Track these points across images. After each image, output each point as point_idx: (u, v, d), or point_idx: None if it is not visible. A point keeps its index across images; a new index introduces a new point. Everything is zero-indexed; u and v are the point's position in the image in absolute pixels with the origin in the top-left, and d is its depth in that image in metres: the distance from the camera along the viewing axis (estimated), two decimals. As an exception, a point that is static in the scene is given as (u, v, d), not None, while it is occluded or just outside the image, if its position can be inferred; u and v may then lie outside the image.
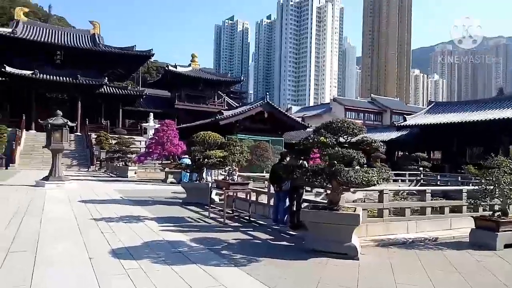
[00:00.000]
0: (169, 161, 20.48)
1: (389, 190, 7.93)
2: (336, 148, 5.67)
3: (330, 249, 5.71)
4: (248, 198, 9.56)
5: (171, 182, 19.51)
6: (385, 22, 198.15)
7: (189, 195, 11.48)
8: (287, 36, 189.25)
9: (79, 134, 35.54)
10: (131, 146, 24.65)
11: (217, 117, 33.56)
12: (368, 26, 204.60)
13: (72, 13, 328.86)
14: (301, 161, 7.49)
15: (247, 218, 8.63)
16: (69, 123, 15.72)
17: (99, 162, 30.62)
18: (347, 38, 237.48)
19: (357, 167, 5.94)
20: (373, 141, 6.05)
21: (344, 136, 6.20)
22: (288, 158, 8.28)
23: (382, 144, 6.13)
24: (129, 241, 6.24)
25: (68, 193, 12.92)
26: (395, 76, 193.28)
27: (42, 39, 39.85)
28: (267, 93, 41.26)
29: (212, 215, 9.04)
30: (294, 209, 7.59)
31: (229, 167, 10.47)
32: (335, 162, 5.92)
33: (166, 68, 45.14)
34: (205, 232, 7.32)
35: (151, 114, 37.28)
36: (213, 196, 11.44)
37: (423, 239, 7.10)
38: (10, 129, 32.09)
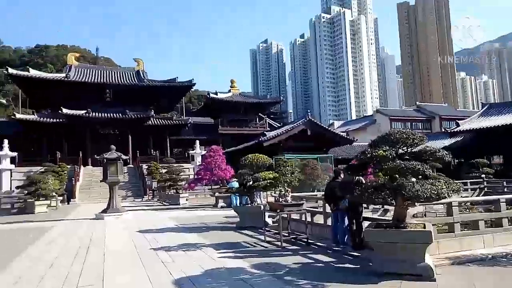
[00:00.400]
0: (219, 186, 20.68)
1: (457, 201, 7.35)
2: (398, 161, 5.35)
3: (402, 270, 5.30)
4: (303, 219, 9.31)
5: (222, 207, 19.63)
6: (422, 27, 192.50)
7: (242, 219, 11.40)
8: (322, 52, 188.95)
9: (131, 166, 37.09)
10: (180, 174, 25.26)
11: (260, 139, 33.74)
12: (405, 33, 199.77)
13: (117, 52, 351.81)
14: (357, 178, 7.17)
15: (305, 240, 8.34)
16: (123, 156, 16.43)
17: (151, 192, 31.61)
18: (384, 47, 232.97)
19: (419, 180, 5.56)
20: (437, 150, 5.65)
21: (403, 148, 5.86)
22: (342, 175, 7.97)
23: (447, 153, 5.70)
24: (190, 270, 6.20)
25: (126, 224, 13.33)
26: (440, 81, 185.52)
27: (93, 80, 42.67)
28: (308, 111, 40.89)
29: (268, 238, 8.86)
30: (355, 228, 7.23)
31: (281, 188, 10.31)
32: (397, 176, 5.58)
33: (208, 95, 46.42)
34: (264, 257, 7.14)
35: (197, 141, 38.23)
36: (266, 219, 11.29)
37: (504, 254, 6.43)
38: (69, 166, 34.20)
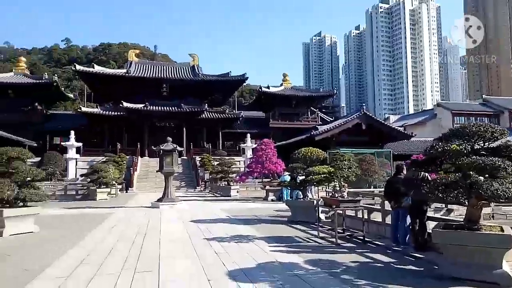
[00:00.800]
0: (269, 179, 20.62)
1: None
2: (474, 157, 4.80)
3: (474, 276, 4.78)
4: (359, 216, 8.88)
5: (272, 200, 19.58)
6: (492, 15, 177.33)
7: (293, 213, 11.17)
8: (379, 44, 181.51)
9: (185, 157, 38.31)
10: (232, 166, 25.56)
11: (312, 133, 33.17)
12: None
13: (173, 49, 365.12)
14: (422, 174, 6.61)
15: (361, 238, 7.94)
16: (178, 147, 16.89)
17: (204, 183, 32.44)
18: (447, 37, 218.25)
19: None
20: (521, 145, 5.00)
21: (479, 142, 5.27)
22: (405, 171, 7.44)
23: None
24: (243, 262, 6.11)
25: (180, 213, 13.68)
26: (511, 72, 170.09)
27: (151, 75, 44.60)
28: (363, 104, 39.43)
29: (321, 234, 8.55)
30: (418, 228, 6.71)
31: (336, 183, 9.91)
32: (470, 173, 5.03)
33: (259, 89, 46.52)
34: (318, 253, 6.86)
35: (248, 134, 38.49)
36: (319, 214, 10.96)
37: None
38: (128, 156, 36.09)
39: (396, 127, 37.70)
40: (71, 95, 50.62)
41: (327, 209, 9.80)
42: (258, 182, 25.95)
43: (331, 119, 52.32)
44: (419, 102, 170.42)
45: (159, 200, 16.55)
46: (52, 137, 43.04)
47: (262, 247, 7.44)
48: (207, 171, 34.38)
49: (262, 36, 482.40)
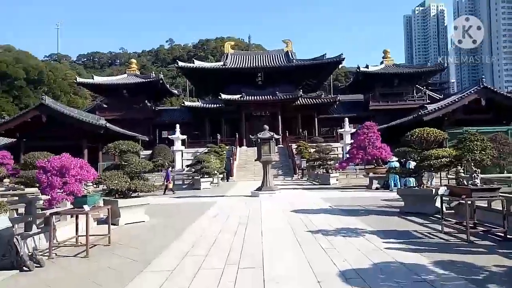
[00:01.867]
0: (373, 166, 19.08)
1: None
2: None
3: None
4: (493, 207, 7.30)
5: (376, 188, 18.12)
6: None
7: (407, 204, 9.88)
8: (498, 5, 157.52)
9: (281, 146, 38.22)
10: (330, 153, 24.46)
11: (420, 113, 30.06)
12: None
13: (267, 38, 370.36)
14: None
15: (501, 235, 6.46)
16: (275, 135, 16.57)
17: (301, 171, 31.91)
18: None
19: None
20: None
21: None
22: None
23: None
24: (355, 261, 5.33)
25: (280, 203, 13.33)
26: None
27: (246, 65, 45.42)
28: (483, 76, 34.18)
29: (446, 229, 7.23)
30: None
31: (459, 168, 8.37)
32: None
33: (358, 70, 43.81)
34: (447, 253, 5.70)
35: (346, 119, 36.65)
36: (437, 204, 9.49)
37: None
38: (228, 147, 37.40)
39: (525, 101, 31.92)
40: (175, 91, 54.49)
41: (451, 199, 8.34)
42: (360, 169, 24.44)
43: (441, 97, 46.98)
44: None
45: (258, 189, 16.48)
46: (160, 131, 46.95)
47: (375, 242, 6.53)
48: (303, 159, 33.70)
49: (357, 14, 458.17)
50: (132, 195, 9.85)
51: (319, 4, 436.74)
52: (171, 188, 20.13)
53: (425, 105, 32.84)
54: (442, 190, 9.48)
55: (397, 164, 16.08)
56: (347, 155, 23.52)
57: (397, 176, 15.02)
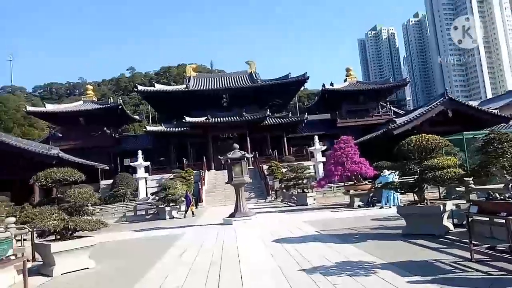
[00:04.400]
0: (353, 182, 17.76)
1: None
2: None
3: None
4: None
5: (359, 206, 16.75)
6: None
7: (409, 224, 8.38)
8: (443, 28, 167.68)
9: (251, 167, 36.47)
10: (305, 171, 23.06)
11: (390, 126, 29.55)
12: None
13: (229, 63, 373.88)
14: None
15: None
16: (247, 155, 14.89)
17: (274, 192, 30.27)
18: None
19: None
20: None
21: None
22: None
23: None
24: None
25: (257, 230, 11.51)
26: None
27: (210, 87, 43.94)
28: (447, 89, 34.56)
29: (476, 255, 5.71)
30: None
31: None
32: None
33: (323, 88, 43.42)
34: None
35: (316, 137, 35.63)
36: (445, 222, 8.09)
37: None
38: (195, 171, 35.21)
39: (492, 111, 32.39)
40: (137, 117, 51.89)
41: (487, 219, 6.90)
42: (337, 186, 23.15)
43: (403, 112, 47.56)
44: (497, 85, 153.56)
45: (231, 215, 14.59)
46: (122, 159, 43.98)
47: (395, 283, 4.89)
48: (276, 179, 32.20)
49: (314, 40, 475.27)
50: (75, 235, 7.75)
51: (279, 29, 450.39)
52: (193, 211, 20.42)
53: (394, 119, 32.58)
54: (449, 206, 8.10)
55: (392, 178, 14.80)
56: (322, 173, 22.24)
57: (392, 192, 13.78)
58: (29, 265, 7.39)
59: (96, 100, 48.00)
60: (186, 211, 20.49)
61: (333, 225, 11.31)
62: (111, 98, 52.15)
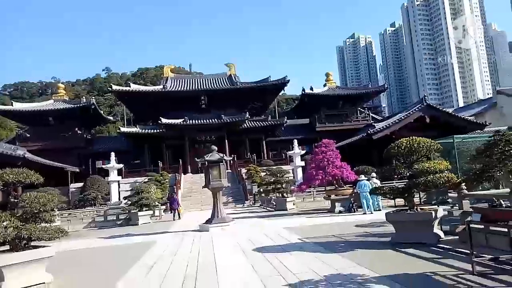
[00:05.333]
0: (334, 187, 17.32)
1: None
2: None
3: None
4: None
5: (340, 212, 16.31)
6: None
7: (398, 231, 7.88)
8: (418, 38, 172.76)
9: (229, 170, 35.67)
10: (285, 175, 22.52)
11: (369, 131, 29.53)
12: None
13: (208, 66, 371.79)
14: None
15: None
16: (225, 157, 14.16)
17: (252, 197, 29.60)
18: (492, 24, 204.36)
19: None
20: None
21: None
22: None
23: None
24: None
25: (236, 238, 10.79)
26: None
27: (187, 88, 42.95)
28: (425, 95, 34.92)
29: (478, 267, 5.22)
30: None
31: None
32: None
33: (303, 92, 43.18)
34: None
35: (295, 141, 35.22)
36: (435, 230, 7.65)
37: None
38: (171, 175, 34.09)
39: (467, 117, 32.92)
40: (111, 118, 50.26)
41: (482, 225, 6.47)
42: (317, 191, 22.73)
43: (381, 118, 48.03)
44: (468, 94, 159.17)
45: (208, 221, 13.81)
46: (94, 161, 42.23)
47: (395, 301, 4.30)
48: (254, 184, 31.54)
49: (293, 44, 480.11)
50: (31, 245, 6.82)
51: (258, 32, 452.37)
52: (179, 213, 20.75)
53: (373, 124, 32.63)
54: (441, 212, 7.67)
55: (368, 184, 14.44)
56: (301, 177, 21.78)
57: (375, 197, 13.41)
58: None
59: (68, 99, 46.00)
60: (174, 214, 20.69)
61: (316, 232, 10.74)
62: (84, 97, 50.00)
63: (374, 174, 15.21)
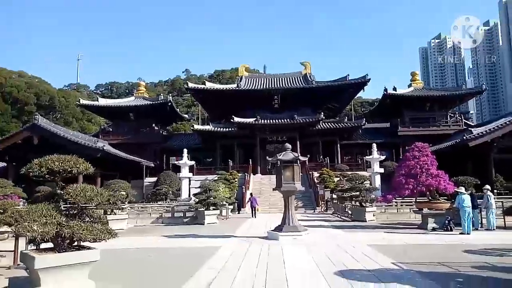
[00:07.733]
0: (427, 199, 14.65)
1: None
2: None
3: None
4: None
5: (434, 229, 13.68)
6: None
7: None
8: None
9: (300, 173, 33.86)
10: (365, 182, 20.12)
11: (465, 137, 25.59)
12: None
13: (282, 68, 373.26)
14: None
15: None
16: (300, 157, 12.49)
17: (324, 203, 27.46)
18: None
19: None
20: None
21: None
22: None
23: None
24: None
25: (312, 254, 9.01)
26: None
27: (261, 87, 42.02)
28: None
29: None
30: None
31: None
32: None
33: (385, 93, 39.63)
34: None
35: (374, 145, 32.15)
36: None
37: None
38: (240, 174, 33.33)
39: None
40: (186, 115, 51.42)
41: None
42: (402, 202, 19.96)
43: (474, 124, 42.47)
44: None
45: (278, 228, 12.24)
46: (169, 156, 43.38)
47: None
48: (327, 189, 29.37)
49: (373, 46, 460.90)
50: (76, 245, 5.86)
51: (332, 38, 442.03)
52: (255, 212, 22.19)
53: (471, 129, 28.40)
54: None
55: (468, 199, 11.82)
56: (379, 185, 19.22)
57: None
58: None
59: (147, 97, 48.02)
60: (253, 212, 22.23)
61: (412, 254, 8.58)
62: (161, 94, 51.90)
63: (487, 186, 12.48)
